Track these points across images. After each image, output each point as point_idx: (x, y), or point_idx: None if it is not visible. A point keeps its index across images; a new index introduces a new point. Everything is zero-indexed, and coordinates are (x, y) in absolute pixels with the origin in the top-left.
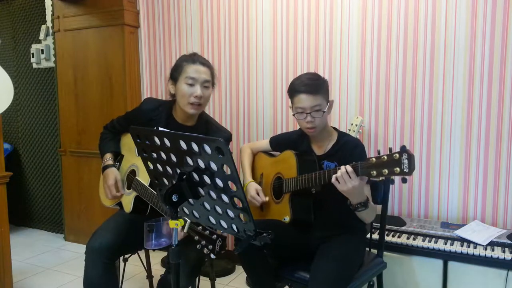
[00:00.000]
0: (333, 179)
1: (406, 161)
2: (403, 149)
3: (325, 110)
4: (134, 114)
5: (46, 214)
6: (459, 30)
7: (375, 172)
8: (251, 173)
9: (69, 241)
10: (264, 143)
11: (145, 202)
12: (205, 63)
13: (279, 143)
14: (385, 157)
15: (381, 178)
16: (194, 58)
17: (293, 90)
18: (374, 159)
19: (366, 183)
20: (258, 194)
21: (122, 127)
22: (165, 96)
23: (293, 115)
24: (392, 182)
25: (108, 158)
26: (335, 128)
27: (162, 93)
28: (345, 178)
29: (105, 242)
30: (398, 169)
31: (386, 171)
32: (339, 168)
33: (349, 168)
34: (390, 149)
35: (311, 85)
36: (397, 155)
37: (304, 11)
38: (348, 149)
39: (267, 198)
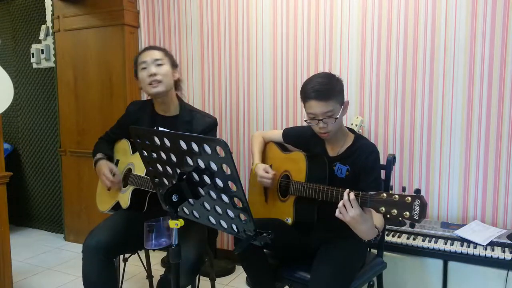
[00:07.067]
0: (338, 211)
1: (417, 208)
2: (417, 194)
3: (338, 116)
4: (123, 118)
5: (46, 214)
6: (459, 30)
7: (383, 209)
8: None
9: (69, 241)
10: (276, 134)
11: (142, 197)
12: (154, 47)
13: (293, 137)
14: (397, 196)
15: (388, 216)
16: (144, 49)
17: (304, 95)
18: (385, 195)
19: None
20: (267, 172)
21: (115, 135)
22: None
23: (305, 121)
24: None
25: (98, 155)
26: (351, 130)
27: None
28: (347, 207)
29: (102, 240)
30: (408, 213)
31: (395, 211)
32: (344, 191)
33: (352, 196)
34: (404, 188)
35: (321, 90)
36: (409, 198)
37: (304, 11)
38: (363, 153)
39: (274, 172)
